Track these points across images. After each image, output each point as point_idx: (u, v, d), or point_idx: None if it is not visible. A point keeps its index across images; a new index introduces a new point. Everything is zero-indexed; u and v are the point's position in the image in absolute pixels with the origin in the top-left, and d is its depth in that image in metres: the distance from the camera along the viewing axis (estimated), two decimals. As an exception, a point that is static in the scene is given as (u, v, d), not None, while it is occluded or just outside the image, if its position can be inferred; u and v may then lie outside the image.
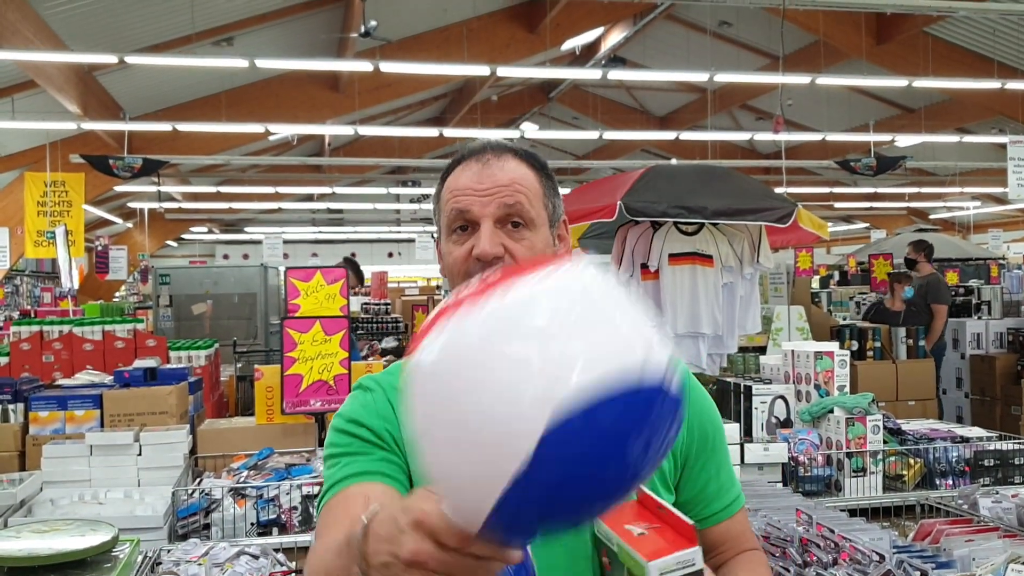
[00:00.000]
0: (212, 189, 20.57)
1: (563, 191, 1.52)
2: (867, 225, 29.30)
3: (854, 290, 13.76)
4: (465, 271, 1.34)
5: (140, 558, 2.47)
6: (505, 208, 1.34)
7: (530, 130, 18.92)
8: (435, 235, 1.48)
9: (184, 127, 12.91)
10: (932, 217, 26.92)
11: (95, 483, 3.50)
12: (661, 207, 4.82)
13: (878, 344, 7.24)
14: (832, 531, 2.07)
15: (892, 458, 4.02)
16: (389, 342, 9.95)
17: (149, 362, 4.79)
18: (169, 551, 2.67)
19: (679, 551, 1.06)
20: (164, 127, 12.97)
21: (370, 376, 1.47)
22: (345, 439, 1.34)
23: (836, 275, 18.04)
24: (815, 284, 15.53)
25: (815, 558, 2.07)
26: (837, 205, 25.88)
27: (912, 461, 4.03)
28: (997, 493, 2.76)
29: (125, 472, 3.56)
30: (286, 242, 20.50)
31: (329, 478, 1.32)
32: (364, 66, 10.13)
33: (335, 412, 1.42)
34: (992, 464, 4.04)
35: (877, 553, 1.90)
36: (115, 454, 3.56)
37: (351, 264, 7.81)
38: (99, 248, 17.01)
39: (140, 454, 3.58)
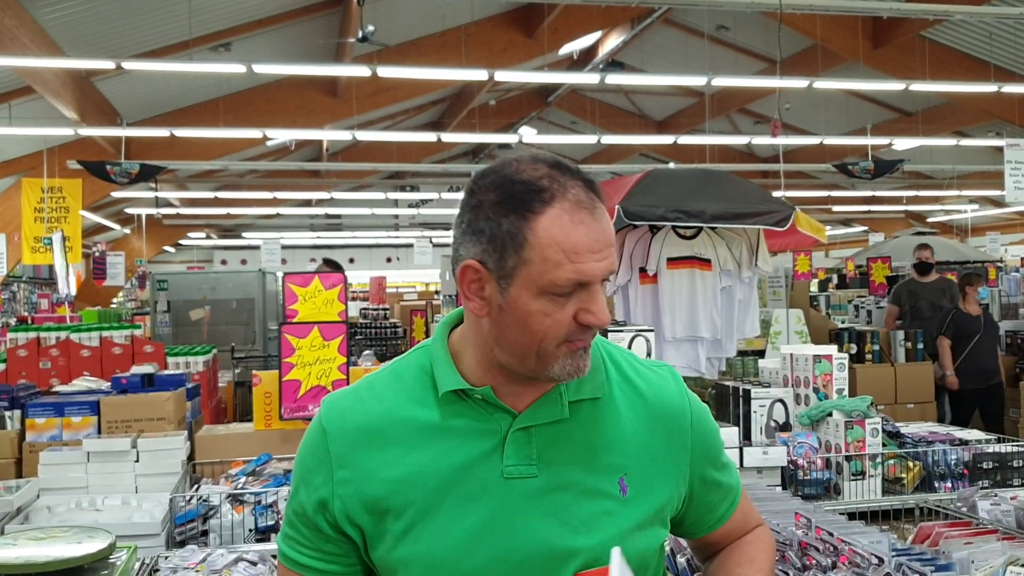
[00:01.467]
0: (210, 194, 20.57)
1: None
2: (865, 228, 29.36)
3: (852, 293, 13.77)
4: (567, 335, 1.25)
5: (137, 565, 2.46)
6: (611, 272, 1.27)
7: (528, 135, 18.91)
8: (480, 264, 1.26)
9: (182, 132, 12.90)
10: (930, 220, 26.96)
11: (92, 490, 3.49)
12: (659, 211, 4.83)
13: (877, 347, 7.25)
14: (831, 534, 2.06)
15: (891, 461, 4.02)
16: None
17: (146, 368, 4.78)
18: (167, 558, 2.66)
19: None
20: (162, 133, 12.96)
21: (334, 403, 1.39)
22: (298, 507, 1.36)
23: (835, 278, 18.04)
24: (813, 287, 15.53)
25: (814, 561, 2.06)
26: (835, 209, 25.91)
27: (911, 464, 4.03)
28: (996, 496, 2.76)
29: (122, 479, 3.55)
30: (284, 247, 20.52)
31: (283, 535, 1.39)
32: (362, 71, 10.12)
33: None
34: (991, 467, 4.03)
35: (876, 556, 1.90)
36: (112, 461, 3.54)
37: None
38: (96, 254, 17.01)
39: (137, 460, 3.57)
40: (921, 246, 8.90)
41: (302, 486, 1.35)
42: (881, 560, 1.90)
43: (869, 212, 27.06)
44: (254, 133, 13.24)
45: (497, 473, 1.29)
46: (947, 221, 26.35)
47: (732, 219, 4.91)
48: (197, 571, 2.41)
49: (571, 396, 1.33)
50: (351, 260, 27.95)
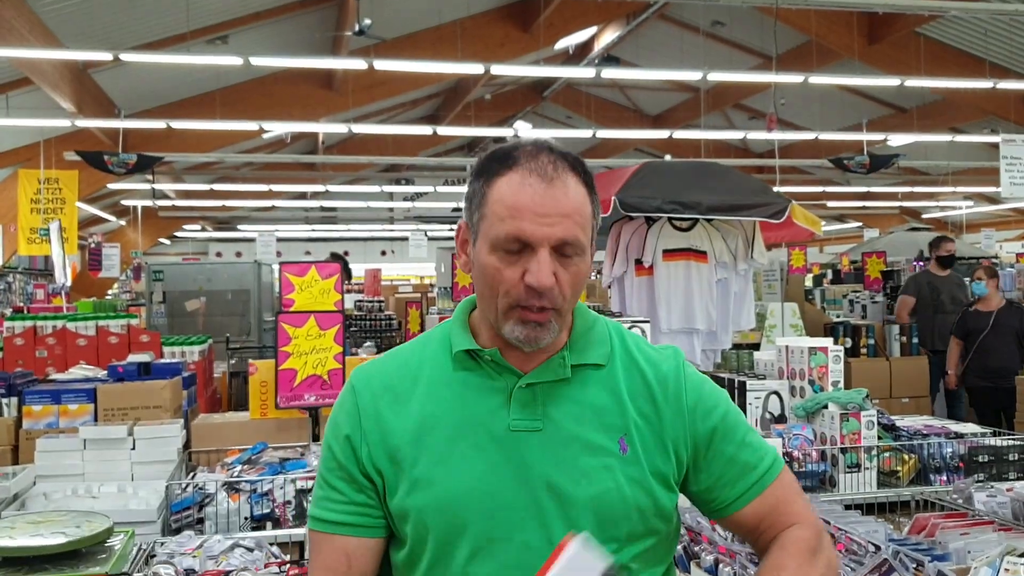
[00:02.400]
0: (206, 187, 20.53)
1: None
2: (860, 224, 29.40)
3: (847, 288, 13.79)
4: (515, 293, 1.33)
5: (135, 550, 2.46)
6: (563, 242, 1.32)
7: (523, 129, 18.92)
8: (465, 224, 1.44)
9: (178, 125, 12.89)
10: (925, 216, 26.99)
11: (89, 477, 3.49)
12: (656, 203, 4.83)
13: (872, 341, 7.26)
14: (828, 522, 2.07)
15: (886, 454, 4.02)
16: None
17: (143, 357, 4.78)
18: (163, 543, 2.66)
19: None
20: (158, 125, 12.94)
21: (363, 369, 1.50)
22: (331, 462, 1.45)
23: (829, 273, 18.07)
24: (808, 282, 15.56)
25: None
26: (830, 204, 25.95)
27: (906, 457, 4.03)
28: (992, 487, 2.77)
29: (119, 466, 3.54)
30: (279, 240, 20.47)
31: (314, 500, 1.48)
32: (358, 64, 10.12)
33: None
34: (986, 460, 4.04)
35: (873, 544, 1.91)
36: (109, 448, 3.54)
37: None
38: (92, 245, 16.96)
39: (134, 448, 3.56)
40: (944, 239, 8.62)
41: (334, 441, 1.44)
42: (878, 548, 1.90)
43: (864, 208, 27.11)
44: (250, 126, 13.22)
45: (504, 426, 1.37)
46: (942, 217, 26.39)
47: (728, 211, 4.92)
48: (194, 556, 2.41)
49: (574, 360, 1.42)
50: (346, 253, 27.90)
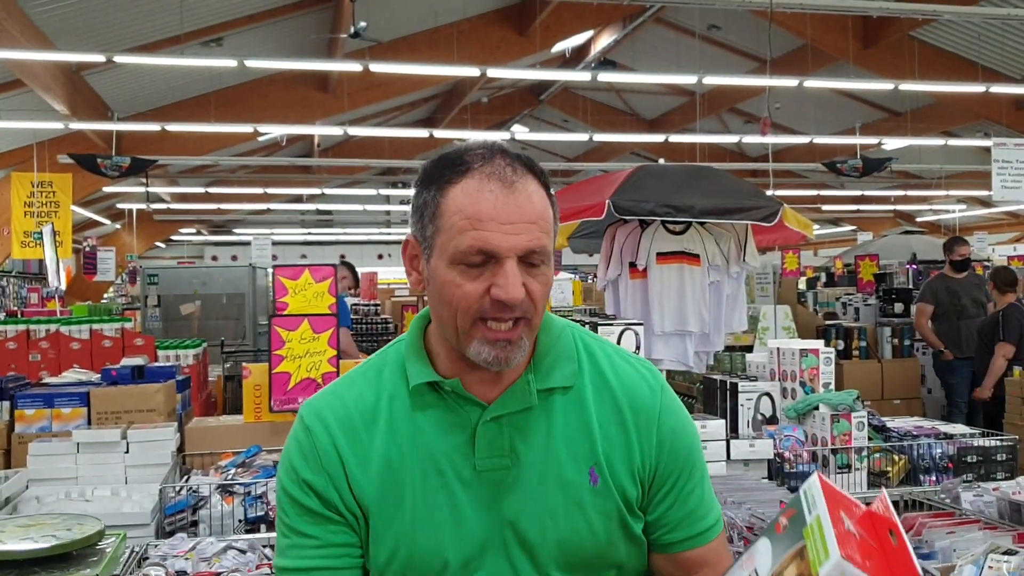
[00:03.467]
0: (201, 190, 20.53)
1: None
2: (854, 228, 29.49)
3: (840, 291, 13.83)
4: (478, 309, 1.23)
5: (127, 553, 2.47)
6: (529, 251, 1.23)
7: (520, 132, 18.93)
8: (414, 238, 1.32)
9: (173, 127, 12.89)
10: (918, 220, 27.09)
11: (82, 481, 3.49)
12: (649, 206, 4.85)
13: (864, 343, 7.29)
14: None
15: (876, 455, 4.05)
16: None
17: (137, 360, 4.78)
18: (156, 546, 2.67)
19: None
20: (153, 127, 12.95)
21: (312, 404, 1.38)
22: (292, 507, 1.33)
23: (823, 277, 18.12)
24: (802, 285, 15.60)
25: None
26: (824, 208, 26.02)
27: (896, 458, 4.06)
28: (979, 487, 2.79)
29: (112, 470, 3.54)
30: (275, 243, 20.48)
31: (280, 552, 1.34)
32: (354, 67, 10.14)
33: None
34: (975, 460, 4.07)
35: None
36: (102, 451, 3.54)
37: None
38: (87, 249, 16.95)
39: (127, 452, 3.57)
40: (958, 240, 8.27)
41: (293, 486, 1.33)
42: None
43: (858, 212, 27.18)
44: (245, 128, 13.24)
45: (470, 465, 1.30)
46: (935, 221, 26.47)
47: (720, 214, 4.94)
48: (187, 559, 2.42)
49: (539, 384, 1.33)
50: (342, 256, 27.92)
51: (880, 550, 1.00)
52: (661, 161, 18.20)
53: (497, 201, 1.21)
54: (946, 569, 2.03)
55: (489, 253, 1.21)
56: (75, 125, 12.10)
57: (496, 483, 1.30)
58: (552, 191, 1.31)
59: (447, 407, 1.32)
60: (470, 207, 1.22)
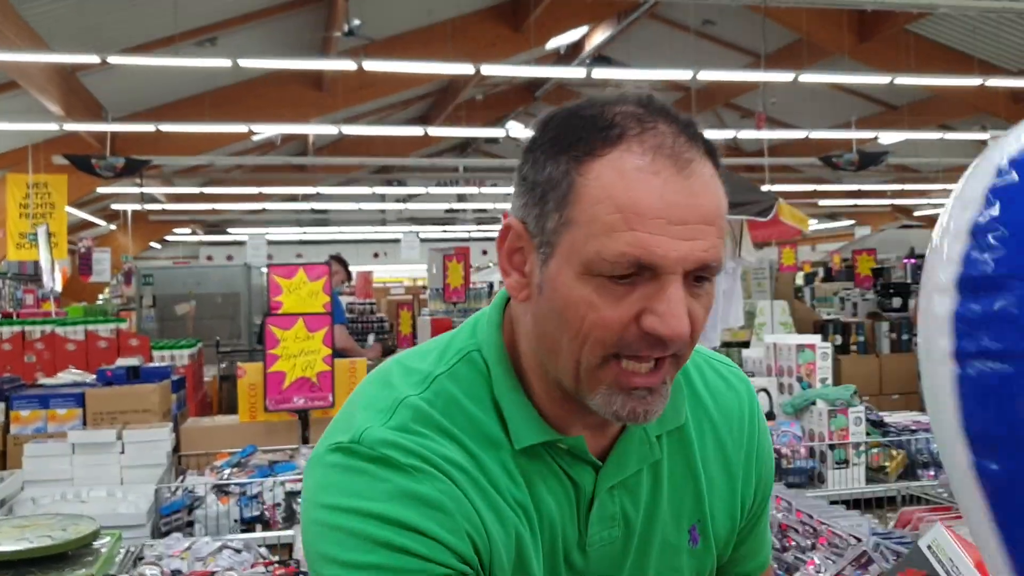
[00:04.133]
0: (195, 190, 20.50)
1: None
2: (852, 223, 29.50)
3: (839, 286, 13.84)
4: (616, 343, 0.89)
5: (122, 552, 2.46)
6: (703, 264, 0.89)
7: (515, 129, 18.92)
8: (523, 224, 0.94)
9: (167, 128, 12.86)
10: (916, 214, 27.10)
11: (77, 482, 3.48)
12: (644, 202, 4.85)
13: (862, 339, 7.29)
14: (811, 516, 2.09)
15: (875, 450, 4.04)
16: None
17: (132, 361, 4.77)
18: (152, 546, 2.66)
19: None
20: (147, 128, 12.92)
21: (396, 443, 0.92)
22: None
23: (821, 272, 18.13)
24: (800, 280, 15.61)
25: (793, 543, 2.09)
26: (821, 203, 26.02)
27: (894, 452, 4.05)
28: (976, 481, 2.78)
29: (108, 470, 3.54)
30: (270, 243, 20.46)
31: None
32: (348, 65, 10.11)
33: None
34: (973, 454, 4.06)
35: (854, 536, 1.92)
36: (97, 452, 3.54)
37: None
38: (82, 250, 16.92)
39: (123, 452, 3.56)
40: None
41: (431, 532, 0.90)
42: (859, 539, 1.92)
43: (856, 206, 27.19)
44: (240, 128, 13.21)
45: (575, 541, 1.00)
46: (933, 215, 26.47)
47: (716, 210, 4.95)
48: (182, 558, 2.41)
49: (655, 429, 1.02)
50: (337, 255, 27.89)
51: None
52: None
53: (668, 190, 0.86)
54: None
55: (649, 266, 0.86)
56: (70, 126, 12.07)
57: (602, 558, 1.01)
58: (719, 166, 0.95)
59: (555, 469, 0.99)
60: (625, 195, 0.85)
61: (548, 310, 0.91)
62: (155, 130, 12.73)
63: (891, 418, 4.61)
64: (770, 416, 4.19)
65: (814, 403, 4.06)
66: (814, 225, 29.53)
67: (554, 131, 0.91)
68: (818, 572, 1.87)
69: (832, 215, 30.36)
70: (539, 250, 0.91)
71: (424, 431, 0.94)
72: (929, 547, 1.03)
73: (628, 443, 1.00)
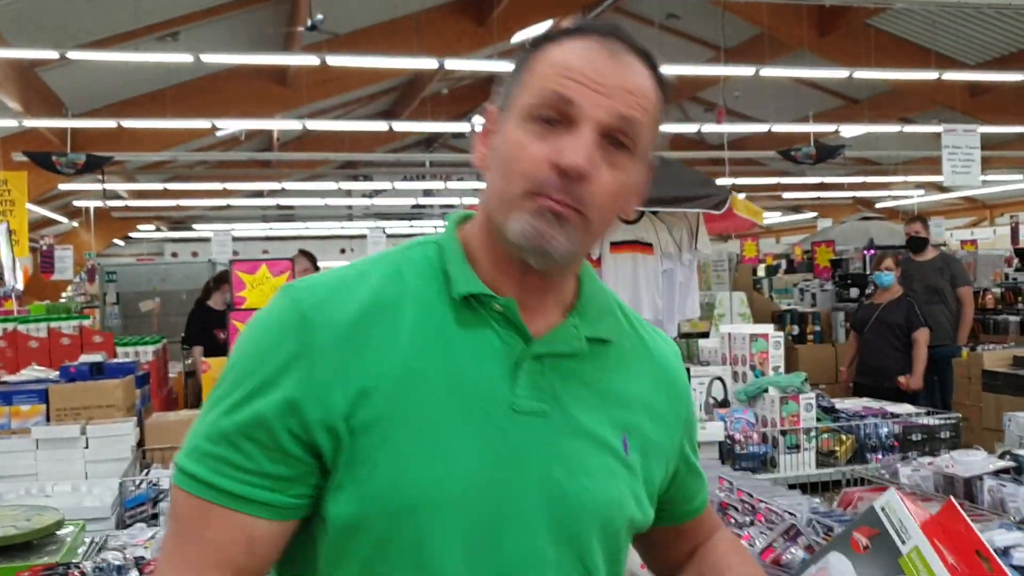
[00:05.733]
0: (159, 186, 20.31)
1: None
2: (815, 215, 29.85)
3: (799, 277, 14.05)
4: (534, 176, 1.02)
5: (87, 543, 2.51)
6: (619, 119, 1.03)
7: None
8: (494, 107, 1.13)
9: (129, 123, 12.76)
10: (878, 206, 27.47)
11: (42, 477, 3.51)
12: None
13: (818, 328, 7.44)
14: (751, 495, 2.19)
15: (825, 435, 4.17)
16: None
17: (95, 357, 4.78)
18: (116, 536, 2.70)
19: None
20: (109, 124, 12.80)
21: (313, 290, 1.07)
22: (247, 414, 1.02)
23: (784, 263, 18.36)
24: (762, 272, 15.81)
25: (732, 520, 2.19)
26: (785, 196, 26.29)
27: (844, 438, 4.19)
28: (916, 462, 2.90)
29: (72, 465, 3.57)
30: (236, 239, 20.31)
31: (207, 455, 1.05)
32: (311, 60, 10.10)
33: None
34: (920, 439, 4.20)
35: (789, 512, 2.02)
36: (62, 448, 3.56)
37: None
38: (44, 248, 16.72)
39: (87, 447, 3.59)
40: (912, 219, 7.86)
41: (264, 386, 1.02)
42: (793, 515, 2.02)
43: (819, 199, 27.51)
44: (203, 124, 13.13)
45: (506, 403, 1.06)
46: (895, 207, 26.87)
47: (671, 203, 5.05)
48: (146, 547, 2.46)
49: (587, 331, 1.13)
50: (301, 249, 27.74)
51: None
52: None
53: (596, 59, 1.04)
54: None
55: (566, 110, 1.02)
56: (29, 122, 11.96)
57: (532, 429, 1.06)
58: (666, 91, 1.13)
59: (489, 327, 1.08)
60: (561, 58, 1.05)
61: (495, 162, 1.08)
62: (117, 126, 12.63)
63: (842, 404, 4.75)
64: (724, 403, 4.31)
65: (767, 390, 4.18)
66: (777, 218, 29.85)
67: (532, 42, 1.11)
68: (751, 545, 1.97)
69: (796, 208, 30.67)
70: (502, 118, 1.09)
71: (345, 281, 1.09)
72: (883, 508, 1.16)
73: (559, 332, 1.12)
